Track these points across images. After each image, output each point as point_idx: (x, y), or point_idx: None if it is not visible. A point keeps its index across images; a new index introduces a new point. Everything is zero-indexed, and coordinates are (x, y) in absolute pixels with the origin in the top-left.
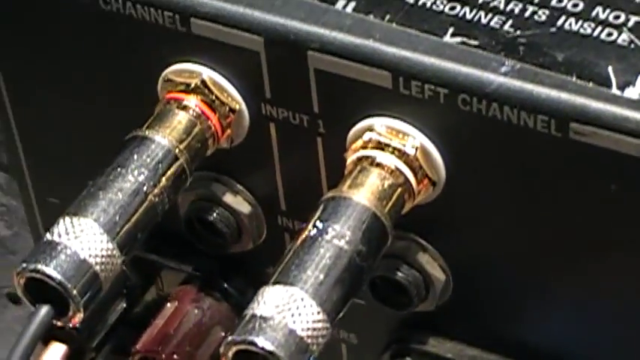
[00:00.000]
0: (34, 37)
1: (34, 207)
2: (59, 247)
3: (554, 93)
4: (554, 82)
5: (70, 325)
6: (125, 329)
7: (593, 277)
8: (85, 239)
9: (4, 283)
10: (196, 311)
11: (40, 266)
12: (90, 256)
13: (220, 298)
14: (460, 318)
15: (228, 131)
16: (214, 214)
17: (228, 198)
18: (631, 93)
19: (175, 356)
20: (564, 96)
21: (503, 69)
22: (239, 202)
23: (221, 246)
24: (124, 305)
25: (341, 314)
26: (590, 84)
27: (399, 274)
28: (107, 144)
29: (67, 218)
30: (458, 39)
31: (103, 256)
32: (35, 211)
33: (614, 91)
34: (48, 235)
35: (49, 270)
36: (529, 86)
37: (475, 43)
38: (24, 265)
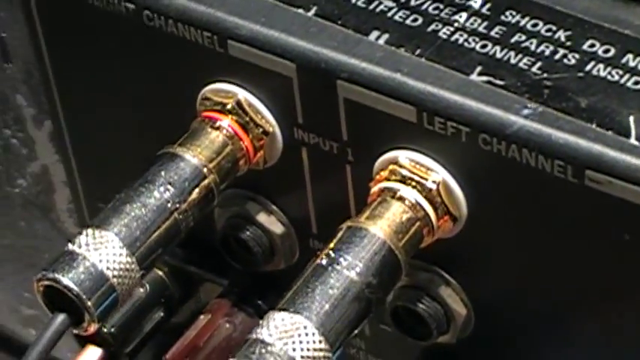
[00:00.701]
0: (85, 51)
1: (84, 211)
2: (79, 258)
3: (572, 139)
4: (573, 128)
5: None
6: (166, 337)
7: (609, 319)
8: (104, 252)
9: None
10: (227, 325)
11: (57, 276)
12: (108, 269)
13: (253, 314)
14: (482, 352)
15: (261, 153)
16: (248, 233)
17: (262, 217)
18: None
19: None
20: (582, 143)
21: (525, 112)
22: (272, 222)
23: (253, 264)
24: (162, 314)
25: (344, 343)
26: (610, 132)
27: (421, 305)
28: (151, 155)
29: (90, 230)
30: (484, 78)
31: (121, 270)
32: (85, 216)
33: (632, 141)
34: (70, 245)
35: (66, 281)
36: (548, 131)
37: (501, 83)
38: (43, 273)
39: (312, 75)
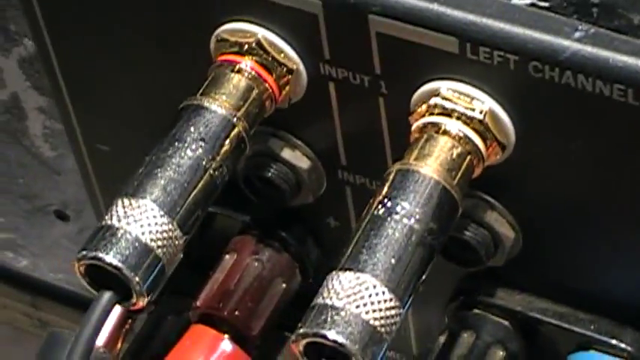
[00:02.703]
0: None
1: (83, 153)
2: (119, 233)
3: (631, 61)
4: (631, 48)
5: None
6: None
7: None
8: (145, 222)
9: (51, 200)
10: (256, 264)
11: (100, 254)
12: (151, 240)
13: (279, 249)
14: (529, 270)
15: (286, 90)
16: (272, 170)
17: (287, 153)
18: None
19: (237, 312)
20: None
21: (577, 34)
22: (298, 157)
23: (280, 201)
24: (181, 255)
25: (413, 296)
26: None
27: (468, 233)
28: (157, 96)
29: (125, 200)
30: (527, 0)
31: (164, 239)
32: (85, 158)
33: None
34: (107, 219)
35: (110, 258)
36: (605, 53)
37: (545, 4)
38: (84, 252)
39: (340, 10)
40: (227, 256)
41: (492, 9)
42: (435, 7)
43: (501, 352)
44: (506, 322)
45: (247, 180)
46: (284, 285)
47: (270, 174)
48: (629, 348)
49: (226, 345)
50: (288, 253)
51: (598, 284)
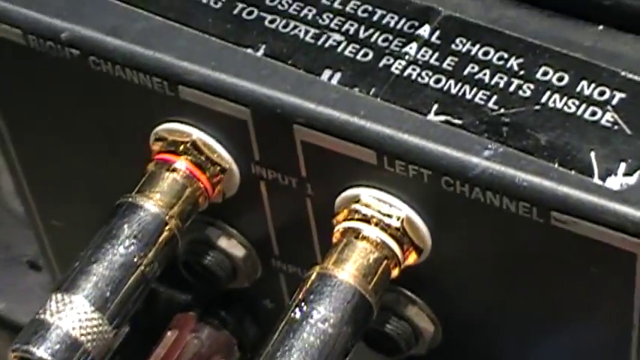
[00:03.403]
0: (33, 89)
1: (40, 228)
2: (51, 328)
3: (536, 181)
4: (536, 169)
5: None
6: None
7: (573, 338)
8: (75, 318)
9: (24, 252)
10: (195, 341)
11: (31, 348)
12: (81, 335)
13: (219, 326)
14: (450, 359)
15: (219, 188)
16: (209, 257)
17: (223, 242)
18: (612, 183)
19: None
20: (546, 184)
21: (487, 153)
22: (233, 246)
23: (217, 285)
24: (127, 329)
25: None
26: (573, 172)
27: (389, 326)
28: (104, 182)
29: (59, 295)
30: (442, 117)
31: (94, 333)
32: (41, 232)
33: (596, 180)
34: (40, 313)
35: (40, 352)
36: (512, 172)
37: (459, 122)
38: (16, 345)
39: (267, 119)
40: (169, 333)
41: (409, 124)
42: (356, 120)
43: None
44: None
45: (186, 264)
46: None
47: (207, 261)
48: None
49: None
50: (227, 331)
51: None
